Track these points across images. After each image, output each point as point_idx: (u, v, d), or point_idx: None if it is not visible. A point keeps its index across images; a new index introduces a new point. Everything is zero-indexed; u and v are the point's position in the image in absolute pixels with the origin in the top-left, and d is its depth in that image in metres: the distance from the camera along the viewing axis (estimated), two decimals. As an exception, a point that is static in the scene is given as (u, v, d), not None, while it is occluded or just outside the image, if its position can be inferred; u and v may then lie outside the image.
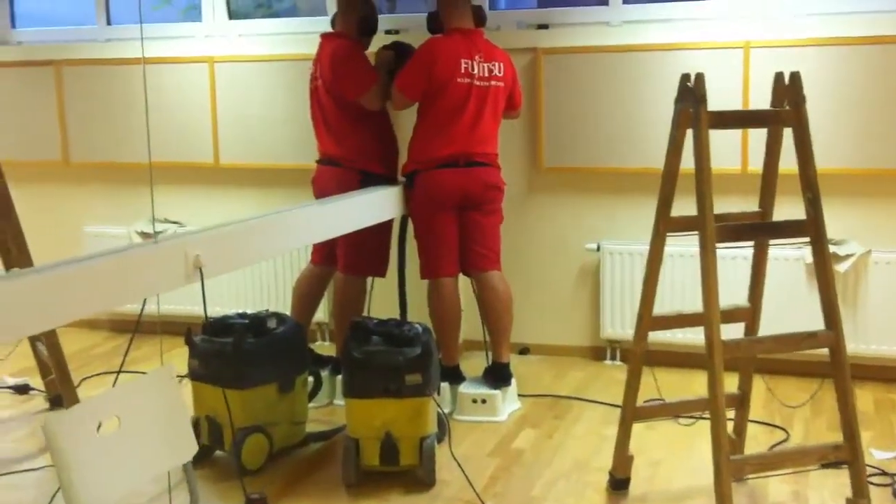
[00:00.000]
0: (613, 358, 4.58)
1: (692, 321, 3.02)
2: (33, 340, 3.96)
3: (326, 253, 4.11)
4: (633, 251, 4.42)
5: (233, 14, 5.16)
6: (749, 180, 3.65)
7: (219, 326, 3.39)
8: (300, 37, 4.80)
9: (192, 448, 2.19)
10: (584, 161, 4.51)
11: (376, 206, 3.88)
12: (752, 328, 3.15)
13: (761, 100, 3.08)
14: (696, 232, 2.79)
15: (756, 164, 3.18)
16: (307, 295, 4.17)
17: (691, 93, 2.75)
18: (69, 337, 4.26)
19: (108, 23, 5.37)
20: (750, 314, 3.13)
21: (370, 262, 4.07)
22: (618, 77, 4.42)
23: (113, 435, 2.01)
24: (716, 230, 2.71)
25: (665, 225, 2.95)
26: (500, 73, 3.93)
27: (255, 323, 3.41)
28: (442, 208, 3.89)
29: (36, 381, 4.22)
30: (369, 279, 4.11)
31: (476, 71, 3.86)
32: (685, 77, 2.79)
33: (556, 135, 4.54)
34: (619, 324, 4.50)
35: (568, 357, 4.65)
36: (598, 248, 4.51)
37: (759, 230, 3.01)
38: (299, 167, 4.53)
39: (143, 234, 5.14)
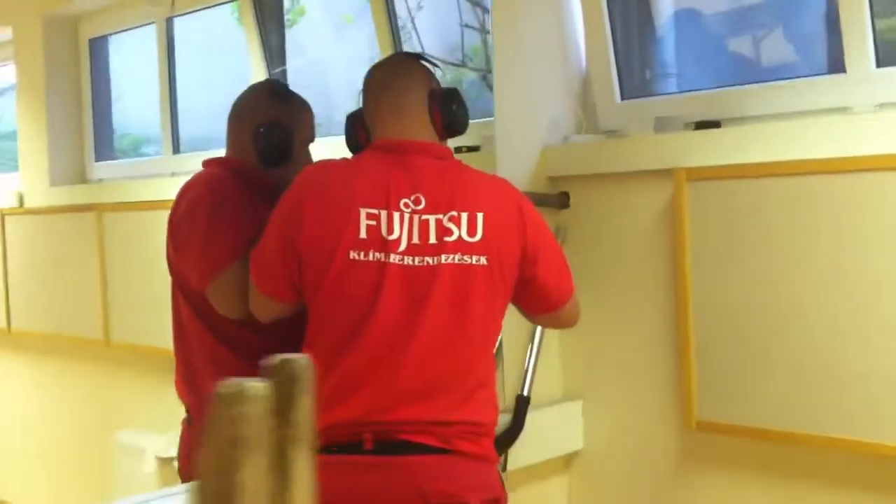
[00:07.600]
0: None
1: None
2: None
3: None
4: None
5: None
6: None
7: None
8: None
9: None
10: (780, 416, 1.97)
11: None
12: None
13: None
14: None
15: None
16: None
17: None
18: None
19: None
20: None
21: None
22: (865, 227, 1.88)
23: None
24: None
25: None
26: (470, 234, 1.66)
27: None
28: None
29: None
30: None
31: (399, 233, 1.66)
32: None
33: (717, 358, 2.05)
34: None
35: None
36: None
37: None
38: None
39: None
